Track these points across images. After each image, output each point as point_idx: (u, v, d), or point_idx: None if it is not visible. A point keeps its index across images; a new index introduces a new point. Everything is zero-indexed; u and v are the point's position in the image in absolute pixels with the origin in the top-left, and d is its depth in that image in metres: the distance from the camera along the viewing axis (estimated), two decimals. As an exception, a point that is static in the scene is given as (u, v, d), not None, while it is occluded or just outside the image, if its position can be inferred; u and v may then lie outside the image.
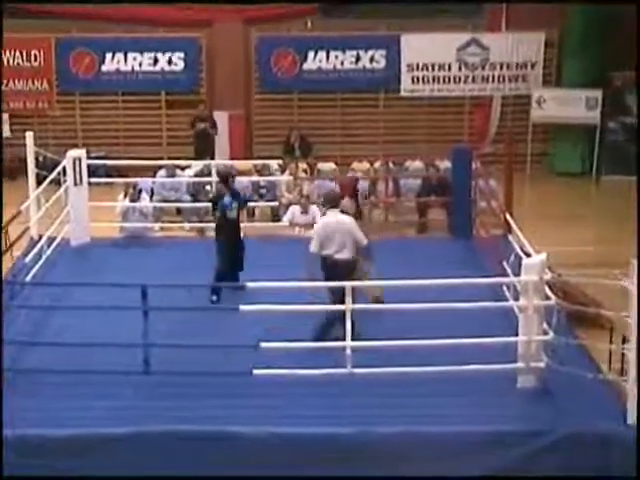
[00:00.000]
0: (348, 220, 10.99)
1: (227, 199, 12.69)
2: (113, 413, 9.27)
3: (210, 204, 13.23)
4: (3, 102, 22.03)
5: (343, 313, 9.87)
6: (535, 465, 8.95)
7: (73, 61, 22.43)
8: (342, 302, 9.88)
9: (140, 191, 16.00)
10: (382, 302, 11.13)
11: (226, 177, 13.00)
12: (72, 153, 14.79)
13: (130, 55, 22.58)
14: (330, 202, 11.29)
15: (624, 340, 10.28)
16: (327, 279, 10.61)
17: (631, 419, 8.96)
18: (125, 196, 15.64)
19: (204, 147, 21.21)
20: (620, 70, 21.91)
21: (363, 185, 17.93)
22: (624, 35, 21.05)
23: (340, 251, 10.79)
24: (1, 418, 8.89)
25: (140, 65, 22.67)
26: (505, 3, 22.30)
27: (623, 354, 10.10)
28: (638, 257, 13.68)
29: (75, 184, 14.62)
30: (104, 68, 22.58)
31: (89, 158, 15.47)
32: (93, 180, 15.18)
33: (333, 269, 10.69)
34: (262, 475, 9.00)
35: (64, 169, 14.68)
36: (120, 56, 22.55)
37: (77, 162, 14.65)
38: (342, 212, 11.22)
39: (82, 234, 14.70)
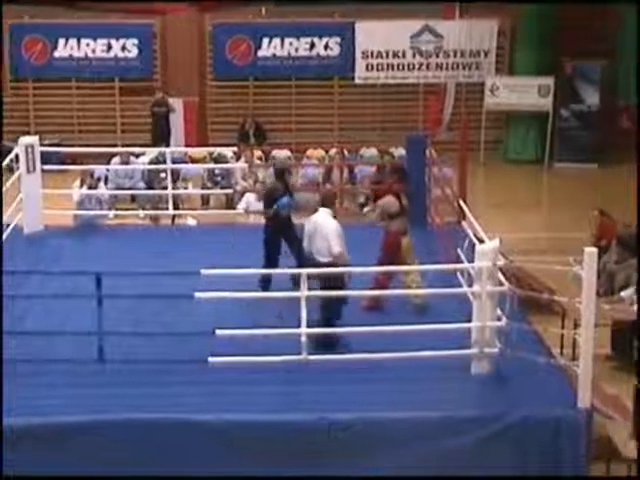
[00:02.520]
0: (329, 224, 10.46)
1: (285, 199, 11.82)
2: (68, 402, 9.22)
3: (264, 200, 12.29)
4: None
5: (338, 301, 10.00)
6: (488, 449, 9.04)
7: (25, 47, 22.26)
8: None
9: (99, 179, 15.92)
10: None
11: (282, 172, 12.29)
12: (25, 140, 14.65)
13: (83, 41, 22.44)
14: (323, 201, 10.81)
15: (575, 325, 10.43)
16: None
17: (581, 403, 9.08)
18: (82, 184, 15.54)
19: (161, 132, 21.13)
20: (571, 58, 22.10)
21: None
22: (575, 23, 21.26)
23: (319, 253, 10.39)
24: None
25: (93, 51, 22.54)
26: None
27: (574, 339, 10.25)
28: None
29: (28, 171, 14.48)
30: (57, 54, 22.42)
31: (42, 145, 15.35)
32: (46, 167, 15.05)
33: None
34: (218, 463, 9.02)
35: (17, 156, 14.55)
36: (73, 42, 22.40)
37: (30, 149, 14.51)
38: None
39: (35, 222, 14.57)
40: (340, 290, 10.07)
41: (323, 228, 10.38)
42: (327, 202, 10.79)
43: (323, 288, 10.06)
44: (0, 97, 21.63)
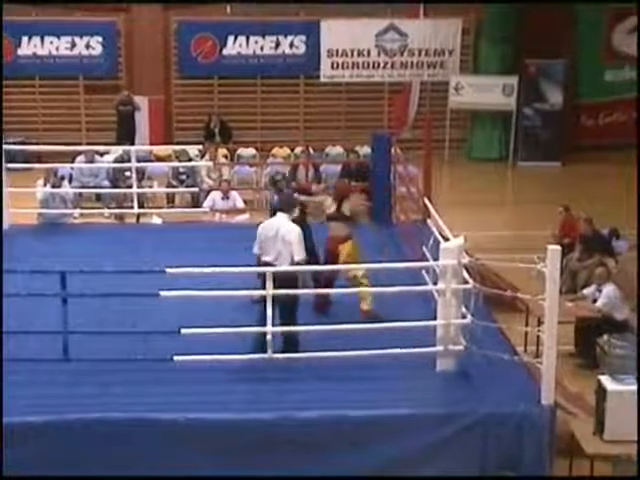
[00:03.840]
0: (291, 229, 10.15)
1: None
2: (32, 401, 9.19)
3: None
4: None
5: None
6: (453, 446, 9.10)
7: (-12, 45, 22.07)
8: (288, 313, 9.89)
9: (62, 178, 15.84)
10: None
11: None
12: (-12, 138, 14.57)
13: (47, 39, 22.31)
14: (284, 206, 10.48)
15: (539, 323, 10.52)
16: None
17: (545, 400, 9.16)
18: (45, 182, 15.46)
19: (127, 130, 21.06)
20: (534, 57, 22.26)
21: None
22: (539, 22, 21.40)
23: (278, 259, 10.07)
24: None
25: (57, 49, 22.42)
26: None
27: (538, 336, 10.33)
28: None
29: (-8, 170, 14.40)
30: (20, 52, 22.28)
31: (7, 143, 15.25)
32: (11, 166, 14.97)
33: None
34: (183, 462, 9.03)
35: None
36: (37, 40, 22.27)
37: (-6, 148, 14.44)
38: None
39: (0, 221, 14.49)
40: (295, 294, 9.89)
41: (286, 234, 10.08)
42: (285, 207, 10.42)
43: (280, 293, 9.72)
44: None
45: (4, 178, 14.52)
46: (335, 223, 11.10)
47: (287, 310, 9.96)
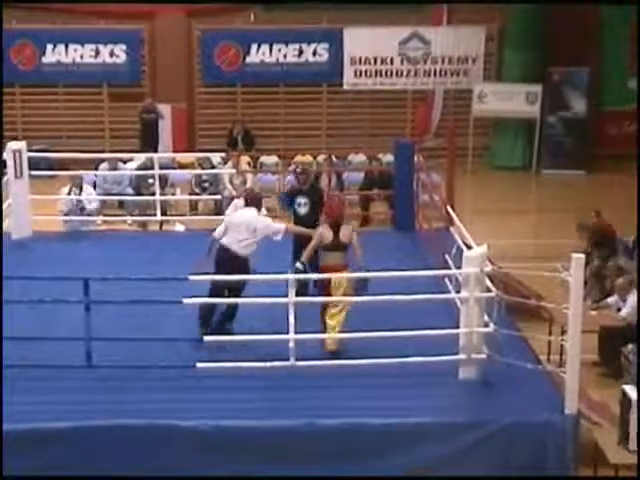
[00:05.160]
0: (261, 218, 11.10)
1: (300, 199, 12.46)
2: (56, 407, 9.21)
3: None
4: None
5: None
6: (476, 455, 9.07)
7: (14, 53, 22.19)
8: (218, 294, 10.43)
9: (81, 187, 15.90)
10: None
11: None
12: (12, 145, 14.65)
13: (71, 47, 22.39)
14: (250, 202, 11.29)
15: (563, 332, 10.45)
16: (216, 265, 10.76)
17: (568, 409, 9.11)
18: (70, 191, 15.54)
19: (150, 138, 21.12)
20: (558, 65, 22.18)
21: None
22: (562, 31, 21.34)
23: (232, 244, 10.78)
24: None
25: (81, 57, 22.50)
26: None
27: (562, 345, 10.27)
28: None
29: (16, 177, 14.48)
30: (45, 60, 22.38)
31: (30, 151, 15.34)
32: (34, 173, 15.04)
33: (223, 258, 10.76)
34: (203, 468, 9.03)
35: (4, 162, 14.52)
36: (61, 48, 22.36)
37: (17, 154, 14.51)
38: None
39: (23, 228, 14.56)
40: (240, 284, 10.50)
41: (253, 221, 10.85)
42: (252, 203, 11.22)
43: (226, 273, 10.45)
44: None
45: (27, 185, 14.60)
46: (332, 253, 10.71)
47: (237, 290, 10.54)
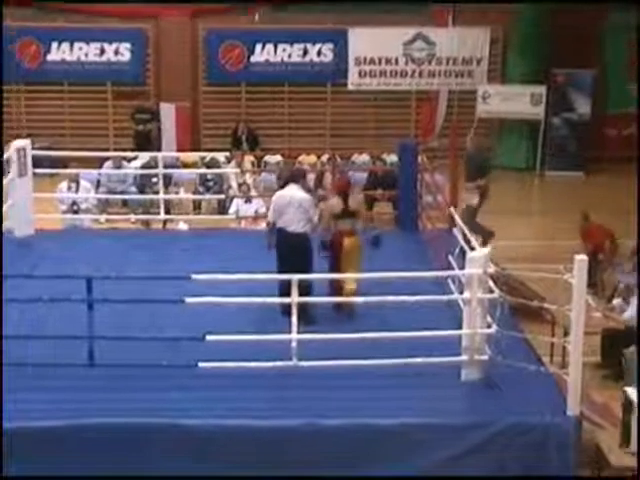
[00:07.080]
0: (303, 196, 11.20)
1: None
2: (57, 406, 9.21)
3: None
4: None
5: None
6: (477, 456, 9.05)
7: (18, 50, 22.21)
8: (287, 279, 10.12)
9: (77, 180, 15.90)
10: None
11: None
12: (17, 143, 14.64)
13: (76, 45, 22.43)
14: (292, 177, 11.50)
15: (565, 333, 10.44)
16: (278, 251, 10.95)
17: (570, 410, 9.11)
18: (69, 187, 15.54)
19: (145, 145, 21.12)
20: (562, 67, 22.17)
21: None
22: (567, 32, 21.33)
23: (291, 225, 10.99)
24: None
25: (86, 55, 22.54)
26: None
27: (564, 347, 10.25)
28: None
29: (20, 175, 14.47)
30: (49, 58, 22.42)
31: (34, 149, 15.33)
32: (38, 171, 15.04)
33: (284, 241, 10.95)
34: (206, 467, 9.02)
35: (8, 160, 14.52)
36: (66, 46, 22.40)
37: (22, 153, 14.49)
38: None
39: (26, 226, 14.55)
40: (308, 263, 10.85)
41: (297, 200, 11.05)
42: (295, 178, 11.44)
43: (293, 255, 10.78)
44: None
45: (30, 183, 14.60)
46: (343, 220, 11.37)
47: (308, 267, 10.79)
